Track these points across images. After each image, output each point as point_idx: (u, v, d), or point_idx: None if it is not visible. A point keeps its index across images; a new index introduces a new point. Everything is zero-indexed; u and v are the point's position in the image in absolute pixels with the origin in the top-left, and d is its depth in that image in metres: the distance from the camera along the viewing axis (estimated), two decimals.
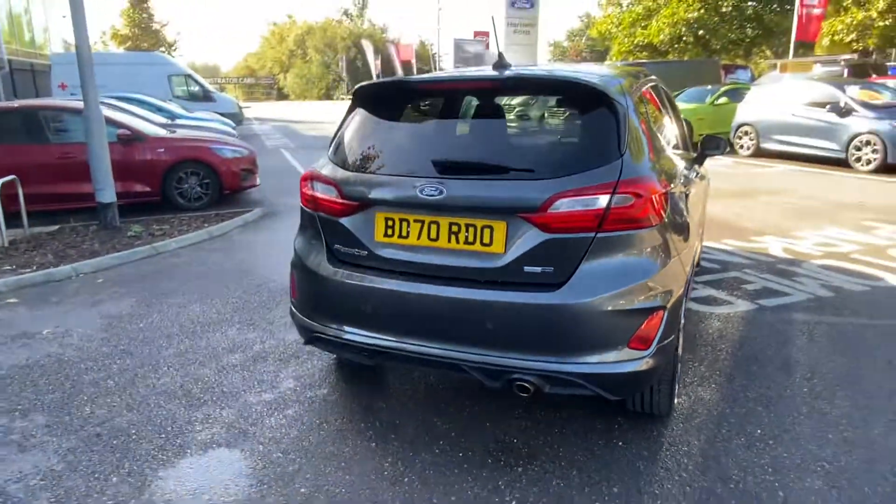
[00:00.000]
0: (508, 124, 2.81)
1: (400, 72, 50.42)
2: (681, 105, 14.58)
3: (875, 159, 10.02)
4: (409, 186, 2.53)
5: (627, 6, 29.25)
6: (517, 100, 3.17)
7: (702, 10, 25.10)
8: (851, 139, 10.38)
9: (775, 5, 25.87)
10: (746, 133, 12.76)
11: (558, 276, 2.37)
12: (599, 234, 2.34)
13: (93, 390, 3.23)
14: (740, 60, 27.97)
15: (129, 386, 3.27)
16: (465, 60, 46.20)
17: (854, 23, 21.14)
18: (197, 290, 4.86)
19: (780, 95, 12.41)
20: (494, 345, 2.43)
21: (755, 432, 2.73)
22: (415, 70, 54.69)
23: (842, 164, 10.57)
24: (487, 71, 2.85)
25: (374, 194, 2.64)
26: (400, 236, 2.60)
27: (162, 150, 8.09)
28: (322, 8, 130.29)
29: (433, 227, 2.53)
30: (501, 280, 2.44)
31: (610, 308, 2.34)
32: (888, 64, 18.13)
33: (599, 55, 63.48)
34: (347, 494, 2.37)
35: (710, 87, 16.36)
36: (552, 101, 2.71)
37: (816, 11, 19.69)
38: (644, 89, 3.06)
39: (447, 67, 52.48)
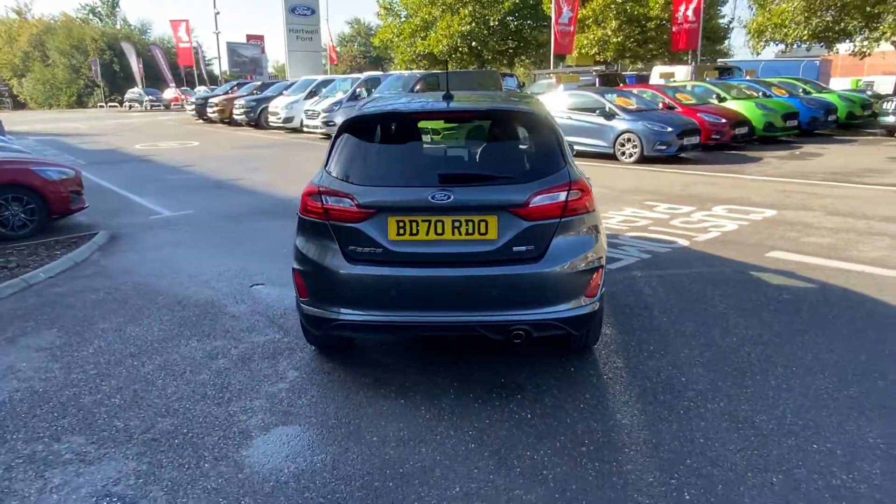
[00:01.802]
0: (485, 143, 3.67)
1: (169, 77, 46.97)
2: None
3: (635, 153, 12.69)
4: (420, 194, 3.28)
5: (405, 17, 31.23)
6: (486, 122, 4.00)
7: (473, 24, 27.97)
8: (617, 137, 12.98)
9: (531, 21, 29.81)
10: None
11: (537, 252, 3.33)
12: (562, 220, 3.35)
13: (104, 409, 3.38)
14: (504, 69, 31.63)
15: (139, 399, 3.48)
16: (241, 65, 44.79)
17: (595, 38, 25.46)
18: (115, 314, 4.87)
19: (558, 102, 14.85)
20: (496, 307, 3.31)
21: (649, 349, 3.99)
22: (183, 74, 51.25)
23: (611, 157, 13.14)
24: (443, 103, 3.68)
25: (388, 202, 3.33)
26: (411, 234, 3.34)
27: None
28: (58, 4, 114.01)
29: (439, 224, 3.31)
30: (496, 259, 3.32)
31: (572, 271, 3.36)
32: (625, 74, 22.33)
33: (374, 62, 65.71)
34: (409, 436, 3.06)
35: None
36: (514, 124, 3.63)
37: (569, 29, 23.37)
38: None
39: (215, 70, 50.12)
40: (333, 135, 3.68)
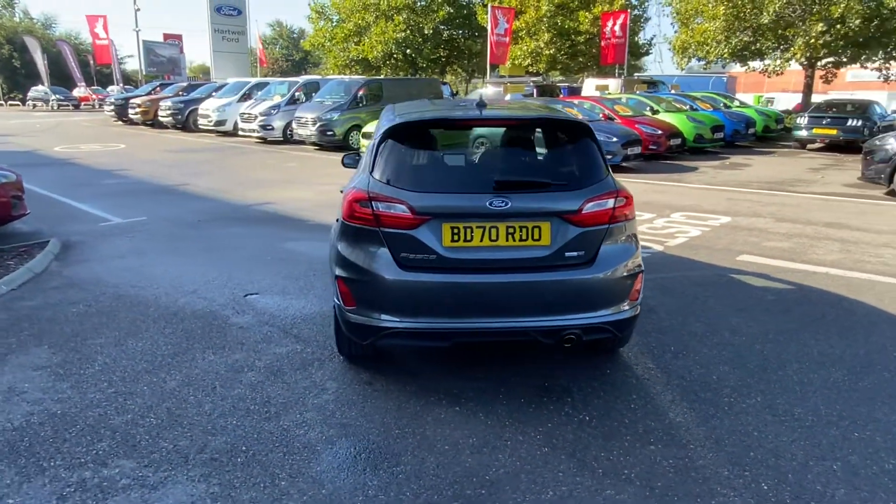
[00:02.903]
0: (531, 150, 3.71)
1: (79, 75, 44.06)
2: None
3: None
4: (478, 200, 3.30)
5: (338, 22, 30.88)
6: (529, 130, 3.98)
7: (408, 32, 28.04)
8: None
9: (464, 31, 30.27)
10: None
11: (587, 257, 3.42)
12: (609, 226, 3.46)
13: (142, 429, 3.16)
14: (436, 77, 31.92)
15: (177, 418, 3.28)
16: (158, 64, 42.72)
17: (528, 50, 26.18)
18: (107, 328, 4.55)
19: None
20: (550, 311, 3.37)
21: (671, 349, 4.17)
22: (94, 72, 48.26)
23: None
24: (476, 111, 3.72)
25: (444, 208, 3.32)
26: (465, 240, 3.34)
27: None
28: None
29: (493, 230, 3.34)
30: (549, 264, 3.38)
31: (619, 275, 3.47)
32: (559, 85, 23.13)
33: (297, 66, 64.43)
34: (479, 443, 3.05)
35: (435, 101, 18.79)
36: (560, 132, 3.70)
37: (504, 40, 23.92)
38: None
39: (129, 68, 47.30)
40: (374, 140, 3.62)
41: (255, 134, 19.75)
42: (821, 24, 18.01)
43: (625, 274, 3.49)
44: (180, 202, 9.81)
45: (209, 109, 21.55)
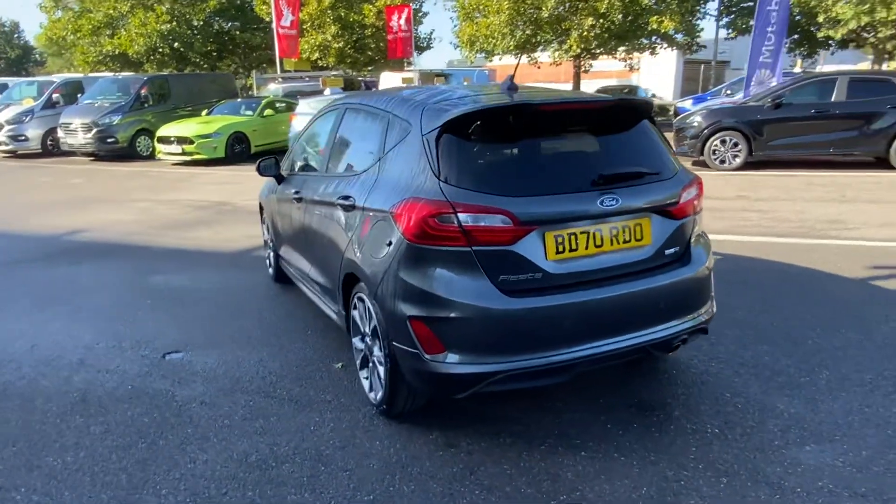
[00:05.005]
0: (618, 138, 3.10)
1: None
2: (231, 118, 14.85)
3: None
4: (587, 200, 2.72)
5: (82, 11, 26.21)
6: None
7: (174, 23, 24.90)
8: None
9: (238, 23, 27.89)
10: None
11: (682, 253, 3.06)
12: (695, 217, 3.14)
13: None
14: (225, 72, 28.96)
15: None
16: None
17: (316, 43, 25.00)
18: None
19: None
20: (661, 320, 2.95)
21: (710, 339, 4.00)
22: None
23: None
24: (577, 93, 3.12)
25: (551, 214, 2.68)
26: (570, 250, 2.75)
27: None
28: None
29: (597, 234, 2.80)
30: (651, 266, 2.95)
31: (709, 270, 3.18)
32: (361, 80, 22.47)
33: (14, 63, 53.99)
34: (602, 469, 2.52)
35: (240, 100, 16.95)
36: (632, 116, 3.15)
37: (292, 32, 22.48)
38: None
39: None
40: (431, 137, 2.79)
41: (2, 148, 15.91)
42: (591, 19, 20.04)
43: (710, 266, 3.20)
44: None
45: None
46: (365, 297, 3.06)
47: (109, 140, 14.94)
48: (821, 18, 20.21)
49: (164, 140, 14.15)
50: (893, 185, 9.22)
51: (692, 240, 3.12)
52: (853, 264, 5.45)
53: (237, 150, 14.29)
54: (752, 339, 3.96)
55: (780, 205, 8.10)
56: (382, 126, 3.27)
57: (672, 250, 3.01)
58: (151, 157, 15.17)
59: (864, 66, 24.22)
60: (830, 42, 22.19)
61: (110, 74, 21.46)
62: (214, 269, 6.04)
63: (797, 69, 21.20)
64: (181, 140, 13.89)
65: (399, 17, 25.14)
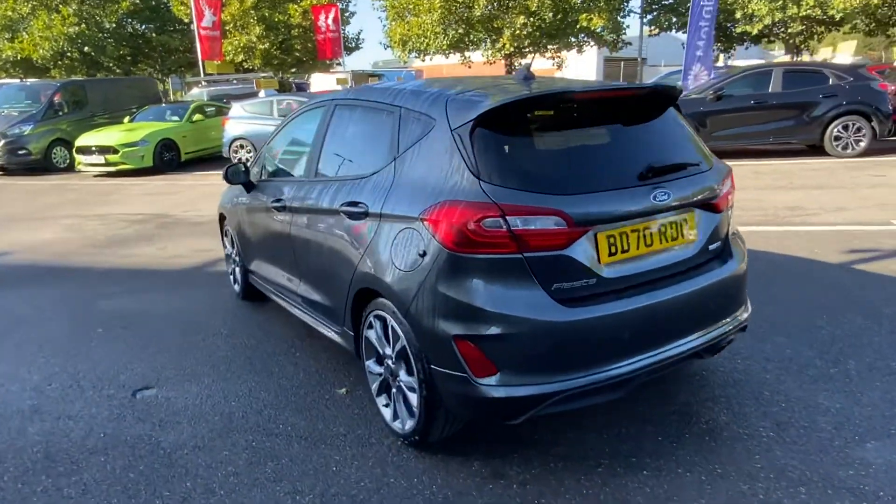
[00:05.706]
0: (655, 128, 2.84)
1: None
2: (158, 125, 13.92)
3: None
4: (641, 196, 2.48)
5: None
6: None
7: (83, 26, 23.18)
8: None
9: (153, 25, 26.36)
10: (242, 146, 13.32)
11: (723, 248, 2.88)
12: (730, 210, 2.97)
13: None
14: (122, 76, 27.24)
15: None
16: None
17: (240, 45, 23.93)
18: None
19: (262, 108, 13.53)
20: (712, 321, 2.76)
21: None
22: None
23: None
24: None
25: (606, 213, 2.43)
26: (622, 251, 2.51)
27: None
28: None
29: (647, 232, 2.58)
30: (697, 264, 2.75)
31: (746, 266, 3.00)
32: (293, 82, 21.67)
33: None
34: (675, 490, 2.32)
35: (165, 104, 15.93)
36: (662, 104, 2.91)
37: (215, 33, 21.41)
38: None
39: None
40: (464, 131, 2.46)
41: None
42: (522, 17, 20.12)
43: (746, 260, 3.04)
44: None
45: None
46: (386, 316, 2.71)
47: (21, 152, 13.66)
48: (738, 15, 21.18)
49: (84, 150, 13.04)
50: (832, 171, 9.60)
51: (729, 234, 2.95)
52: (828, 250, 5.52)
53: (166, 159, 13.36)
54: (767, 331, 3.86)
55: (735, 194, 8.24)
56: (391, 122, 2.92)
57: (715, 245, 2.82)
58: (70, 168, 13.97)
59: (778, 61, 25.59)
60: (745, 38, 23.31)
61: (15, 81, 19.70)
62: (168, 289, 5.46)
63: (720, 63, 22.03)
64: (103, 149, 12.83)
65: (326, 17, 24.52)
